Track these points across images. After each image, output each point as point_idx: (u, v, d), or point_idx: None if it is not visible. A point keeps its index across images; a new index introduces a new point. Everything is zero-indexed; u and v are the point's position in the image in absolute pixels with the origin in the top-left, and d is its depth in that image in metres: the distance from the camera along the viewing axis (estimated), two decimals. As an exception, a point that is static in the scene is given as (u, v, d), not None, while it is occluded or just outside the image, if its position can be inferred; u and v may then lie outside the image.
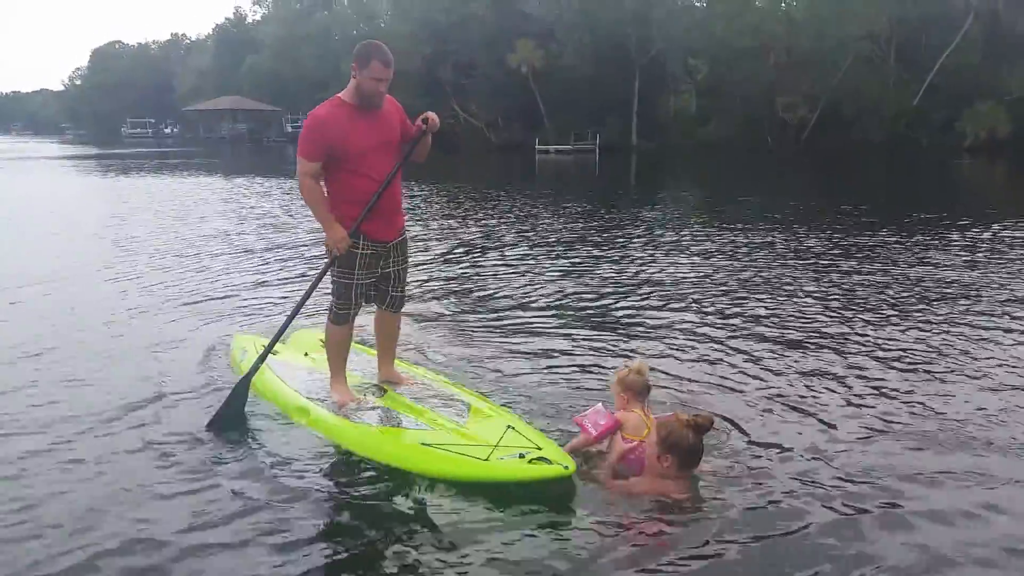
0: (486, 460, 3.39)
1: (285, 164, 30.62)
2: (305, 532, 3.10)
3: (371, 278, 4.12)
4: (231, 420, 4.07)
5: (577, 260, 9.36)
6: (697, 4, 51.00)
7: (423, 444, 3.63)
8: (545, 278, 8.26)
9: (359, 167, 3.89)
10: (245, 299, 7.18)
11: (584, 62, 47.34)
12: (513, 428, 3.63)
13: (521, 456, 3.39)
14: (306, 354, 5.03)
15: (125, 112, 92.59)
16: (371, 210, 3.92)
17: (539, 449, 3.45)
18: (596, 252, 9.90)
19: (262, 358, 4.24)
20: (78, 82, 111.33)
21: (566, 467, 3.31)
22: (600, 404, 3.77)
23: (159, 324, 6.24)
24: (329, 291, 4.22)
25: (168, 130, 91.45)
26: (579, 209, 15.22)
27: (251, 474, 3.59)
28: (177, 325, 6.20)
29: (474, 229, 12.27)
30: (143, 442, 3.89)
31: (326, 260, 4.11)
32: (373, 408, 4.13)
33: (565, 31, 48.74)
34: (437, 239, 11.14)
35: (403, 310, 4.48)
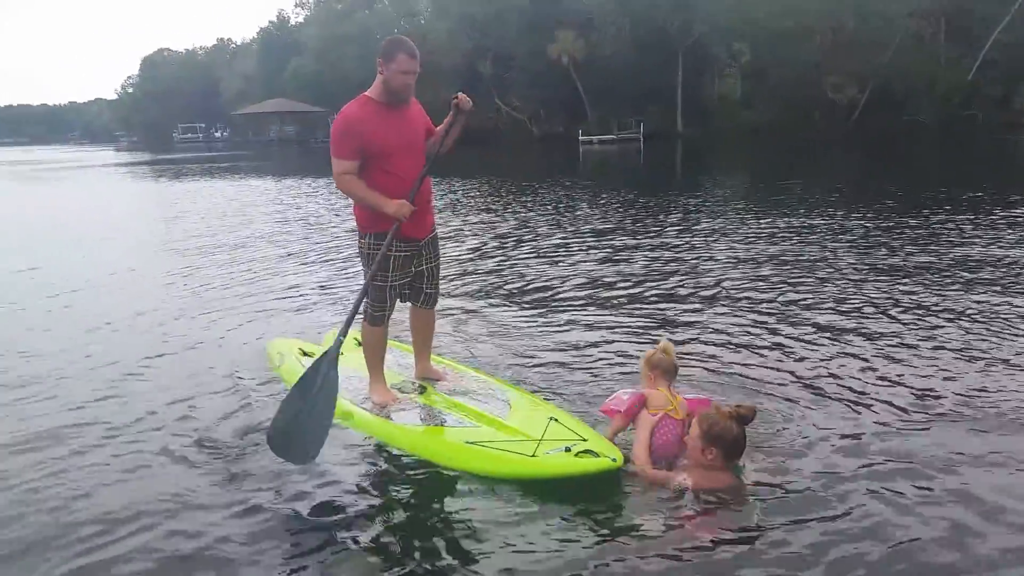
0: (532, 456, 3.36)
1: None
2: (350, 530, 3.11)
3: (406, 278, 4.13)
4: (310, 441, 3.57)
5: (615, 248, 9.33)
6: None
7: (467, 443, 3.60)
8: (582, 268, 8.25)
9: (389, 166, 3.87)
10: (286, 300, 7.26)
11: (625, 50, 46.95)
12: (556, 420, 3.60)
13: (567, 449, 3.36)
14: (341, 354, 5.03)
15: (176, 118, 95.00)
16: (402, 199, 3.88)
17: (584, 440, 3.43)
18: (633, 240, 9.84)
19: (332, 362, 3.80)
20: (130, 90, 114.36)
21: (613, 459, 3.29)
22: (619, 390, 3.79)
23: (201, 325, 6.35)
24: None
25: (218, 134, 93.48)
26: (621, 198, 15.12)
27: (293, 474, 3.55)
28: (217, 326, 6.30)
29: (511, 221, 12.28)
30: (182, 443, 3.93)
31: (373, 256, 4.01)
32: (414, 407, 4.10)
33: (605, 19, 48.39)
34: (473, 233, 11.18)
35: (438, 305, 4.48)
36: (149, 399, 4.60)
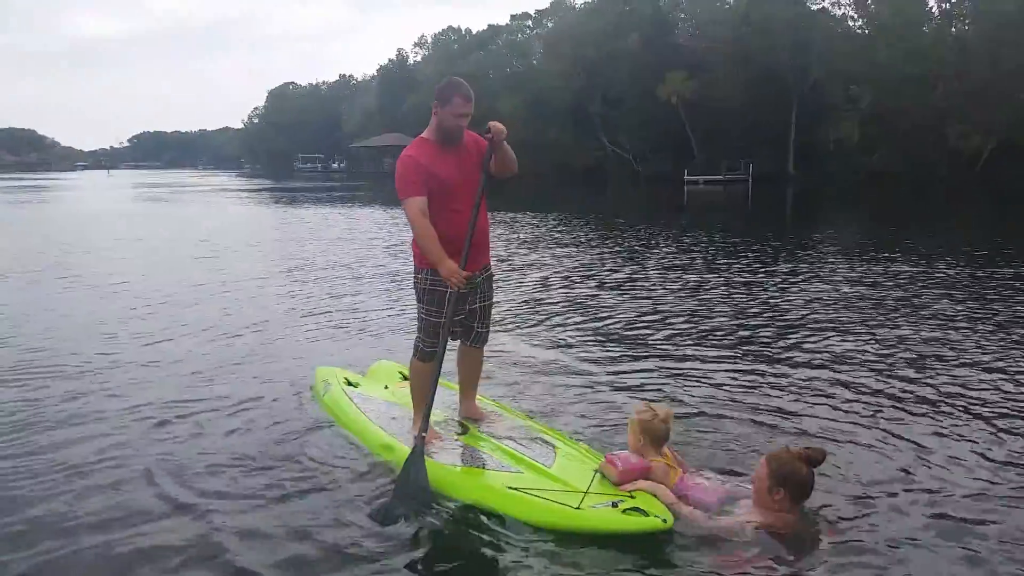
0: (578, 508, 3.25)
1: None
2: (381, 565, 3.11)
3: (459, 315, 4.09)
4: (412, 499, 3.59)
5: (689, 292, 9.24)
6: (859, 32, 48.97)
7: (509, 488, 3.51)
8: (651, 312, 8.07)
9: (447, 203, 3.89)
10: (352, 324, 7.61)
11: (737, 91, 46.48)
12: (602, 473, 3.53)
13: (614, 505, 3.27)
14: (386, 387, 5.00)
15: (297, 148, 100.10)
16: (459, 244, 3.87)
17: (632, 498, 3.34)
18: (713, 285, 9.71)
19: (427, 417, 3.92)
20: (256, 121, 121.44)
21: (664, 520, 3.18)
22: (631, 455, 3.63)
23: (261, 341, 6.88)
24: (415, 327, 4.22)
25: (336, 165, 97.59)
26: (715, 239, 15.02)
27: (329, 505, 3.60)
28: (276, 345, 6.76)
29: (585, 259, 12.31)
30: (216, 461, 4.12)
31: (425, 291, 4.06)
32: (456, 446, 4.03)
33: (717, 61, 48.18)
34: (542, 269, 11.30)
35: (488, 344, 4.42)
36: (184, 406, 4.99)
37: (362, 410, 4.52)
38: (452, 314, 4.01)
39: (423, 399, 4.02)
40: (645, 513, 3.20)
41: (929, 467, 3.95)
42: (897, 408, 4.88)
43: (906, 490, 3.67)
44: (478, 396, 4.55)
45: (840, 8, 50.03)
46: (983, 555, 3.09)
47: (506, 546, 3.24)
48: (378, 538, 3.31)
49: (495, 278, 4.41)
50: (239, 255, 13.65)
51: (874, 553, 3.10)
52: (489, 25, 75.34)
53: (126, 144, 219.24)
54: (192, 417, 4.80)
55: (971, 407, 4.89)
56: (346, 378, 5.08)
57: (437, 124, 3.91)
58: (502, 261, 11.99)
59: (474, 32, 77.60)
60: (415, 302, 4.19)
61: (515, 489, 3.49)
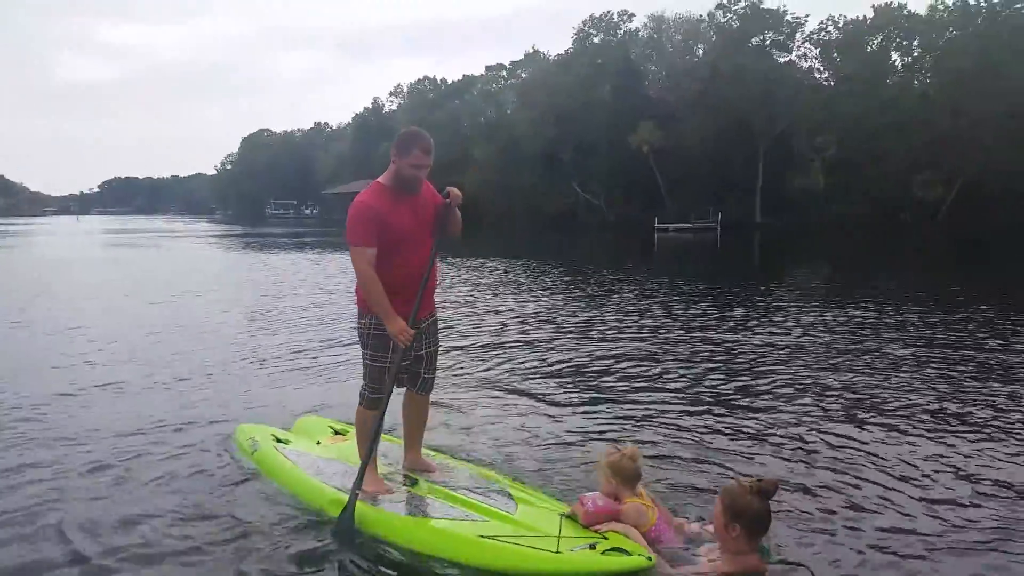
0: (557, 552, 3.17)
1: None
2: None
3: (405, 361, 3.96)
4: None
5: (645, 335, 9.19)
6: (825, 84, 50.40)
7: (481, 536, 3.38)
8: (602, 357, 7.91)
9: (397, 253, 3.79)
10: (285, 376, 7.18)
11: (706, 141, 47.48)
12: (568, 517, 3.47)
13: (592, 547, 3.20)
14: (318, 442, 4.82)
15: (269, 194, 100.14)
16: (407, 294, 3.81)
17: (605, 539, 3.28)
18: (671, 330, 9.66)
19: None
20: (228, 167, 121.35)
21: (649, 557, 3.14)
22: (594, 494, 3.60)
23: (202, 388, 6.65)
24: (353, 377, 4.11)
25: (308, 211, 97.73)
26: (679, 285, 15.04)
27: (256, 560, 3.43)
28: (203, 393, 6.48)
29: (542, 304, 12.30)
30: (131, 514, 3.93)
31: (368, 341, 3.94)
32: (413, 498, 3.88)
33: (687, 111, 49.22)
34: (495, 315, 11.10)
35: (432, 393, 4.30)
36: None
37: (300, 467, 4.30)
38: (400, 360, 3.88)
39: (369, 448, 3.90)
40: (627, 552, 3.13)
41: (885, 503, 3.99)
42: (846, 445, 4.93)
43: (869, 528, 3.69)
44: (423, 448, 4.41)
45: (807, 61, 51.79)
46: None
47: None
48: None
49: (440, 324, 4.31)
50: (197, 299, 13.37)
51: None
52: (464, 75, 76.50)
53: (96, 190, 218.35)
54: (115, 469, 4.59)
55: (921, 444, 4.98)
56: (274, 435, 4.85)
57: (395, 172, 3.83)
58: (462, 305, 11.85)
59: (449, 81, 78.61)
60: (360, 348, 4.04)
61: (487, 537, 3.35)
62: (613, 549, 3.18)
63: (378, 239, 3.74)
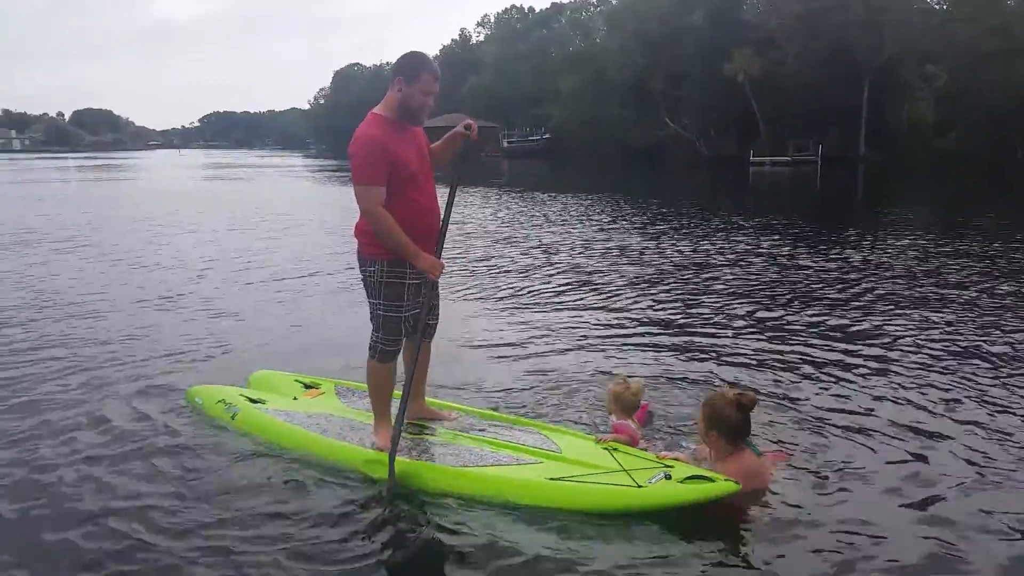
0: (640, 487, 3.12)
1: (495, 177, 32.16)
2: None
3: (417, 308, 3.70)
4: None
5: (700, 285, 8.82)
6: (935, 7, 46.75)
7: (552, 479, 3.26)
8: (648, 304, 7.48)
9: (407, 189, 3.55)
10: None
11: (806, 69, 44.98)
12: (616, 450, 3.46)
13: (667, 477, 3.19)
14: (295, 398, 4.42)
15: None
16: (425, 234, 3.59)
17: (670, 467, 3.29)
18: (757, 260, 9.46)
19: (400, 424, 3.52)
20: (322, 101, 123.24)
21: (737, 482, 3.10)
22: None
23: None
24: (368, 326, 3.77)
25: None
26: (777, 224, 14.53)
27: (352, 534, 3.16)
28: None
29: (613, 243, 11.90)
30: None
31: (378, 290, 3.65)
32: (448, 448, 3.65)
33: (786, 38, 46.65)
34: (555, 251, 10.94)
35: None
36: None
37: (307, 428, 3.93)
38: (428, 303, 3.73)
39: (386, 404, 3.78)
40: (707, 479, 3.13)
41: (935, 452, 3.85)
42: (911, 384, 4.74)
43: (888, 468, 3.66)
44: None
45: (918, -18, 47.97)
46: (946, 546, 3.00)
47: (555, 542, 3.02)
48: (406, 549, 3.04)
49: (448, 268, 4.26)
50: (255, 233, 13.78)
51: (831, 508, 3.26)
52: (552, 3, 74.74)
53: (196, 124, 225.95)
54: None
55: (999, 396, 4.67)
56: (242, 395, 4.37)
57: (400, 101, 3.54)
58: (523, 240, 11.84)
59: (537, 11, 76.99)
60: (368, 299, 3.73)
61: (559, 479, 3.25)
62: (691, 477, 3.17)
63: (387, 177, 3.48)
